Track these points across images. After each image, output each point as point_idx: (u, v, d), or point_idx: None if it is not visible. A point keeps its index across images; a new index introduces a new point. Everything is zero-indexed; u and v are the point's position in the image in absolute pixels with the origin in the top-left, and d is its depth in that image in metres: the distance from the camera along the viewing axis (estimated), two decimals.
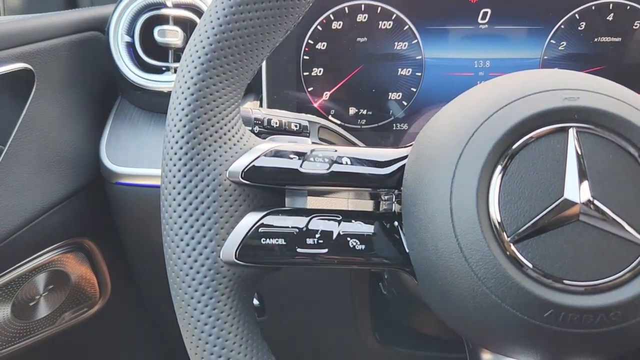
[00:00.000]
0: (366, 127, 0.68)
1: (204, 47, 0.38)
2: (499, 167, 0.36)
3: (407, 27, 0.66)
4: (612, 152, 0.35)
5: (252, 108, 0.54)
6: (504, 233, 0.35)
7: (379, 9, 0.65)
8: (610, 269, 0.34)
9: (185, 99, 0.38)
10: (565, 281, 0.34)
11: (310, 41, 0.66)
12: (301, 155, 0.40)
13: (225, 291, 0.38)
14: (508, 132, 0.36)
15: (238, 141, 0.40)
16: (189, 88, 0.38)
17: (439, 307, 0.39)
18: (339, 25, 0.66)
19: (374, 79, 0.67)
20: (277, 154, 0.40)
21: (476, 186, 0.35)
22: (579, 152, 0.35)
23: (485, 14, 0.65)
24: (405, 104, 0.68)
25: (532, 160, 0.35)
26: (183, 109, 0.38)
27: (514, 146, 0.36)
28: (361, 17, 0.66)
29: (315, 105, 0.68)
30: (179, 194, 0.38)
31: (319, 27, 0.66)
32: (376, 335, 0.81)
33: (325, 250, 0.39)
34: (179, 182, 0.38)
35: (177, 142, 0.38)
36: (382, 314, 0.81)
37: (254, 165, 0.39)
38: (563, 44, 0.65)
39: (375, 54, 0.67)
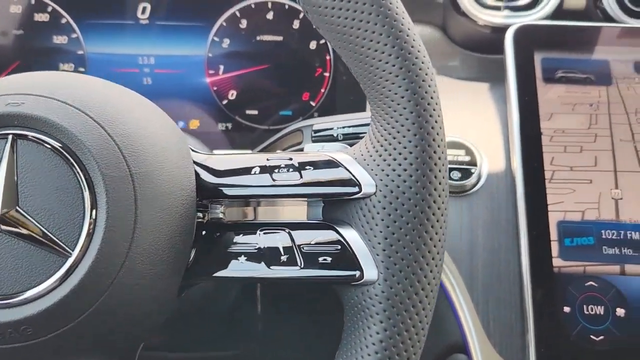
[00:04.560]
0: None
1: None
2: None
3: (65, 20, 0.63)
4: (47, 160, 0.34)
5: None
6: None
7: (34, 0, 0.63)
8: (29, 282, 0.33)
9: None
10: None
11: None
12: None
13: None
14: None
15: None
16: None
17: None
18: None
19: None
20: None
21: None
22: (13, 160, 0.34)
23: (144, 8, 0.64)
24: None
25: None
26: None
27: None
28: (15, 9, 0.63)
29: None
30: None
31: None
32: None
33: None
34: None
35: None
36: None
37: None
38: (226, 42, 0.65)
39: (33, 48, 0.64)
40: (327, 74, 0.65)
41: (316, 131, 0.54)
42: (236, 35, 0.64)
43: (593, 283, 0.54)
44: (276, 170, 0.39)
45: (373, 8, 0.37)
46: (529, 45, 0.63)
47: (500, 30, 0.68)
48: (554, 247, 0.55)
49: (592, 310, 0.53)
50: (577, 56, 0.63)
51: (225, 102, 0.65)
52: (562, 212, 0.56)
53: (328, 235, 0.38)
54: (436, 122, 0.37)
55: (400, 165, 0.36)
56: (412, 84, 0.36)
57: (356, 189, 0.37)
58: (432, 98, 0.37)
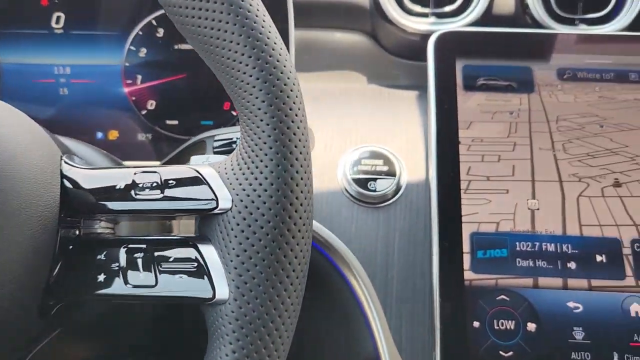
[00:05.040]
0: None
1: None
2: None
3: None
4: None
5: None
6: None
7: None
8: None
9: None
10: None
11: None
12: None
13: None
14: None
15: None
16: None
17: None
18: None
19: None
20: None
21: None
22: None
23: (58, 18, 0.62)
24: None
25: None
26: None
27: None
28: None
29: None
30: None
31: None
32: None
33: None
34: None
35: None
36: None
37: None
38: (143, 51, 0.63)
39: None
40: None
41: (217, 142, 0.52)
42: (153, 44, 0.63)
43: (505, 297, 0.52)
44: (140, 185, 0.38)
45: (230, 17, 0.35)
46: (451, 52, 0.61)
47: (429, 37, 0.67)
48: (466, 260, 0.53)
49: (502, 325, 0.51)
50: (499, 63, 0.61)
51: (144, 112, 0.64)
52: (476, 223, 0.55)
53: (187, 252, 0.36)
54: (294, 134, 0.35)
55: (256, 179, 0.35)
56: (268, 95, 0.35)
57: (214, 204, 0.36)
58: (291, 109, 0.35)
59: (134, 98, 0.64)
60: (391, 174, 0.60)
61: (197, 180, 0.37)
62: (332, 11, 0.70)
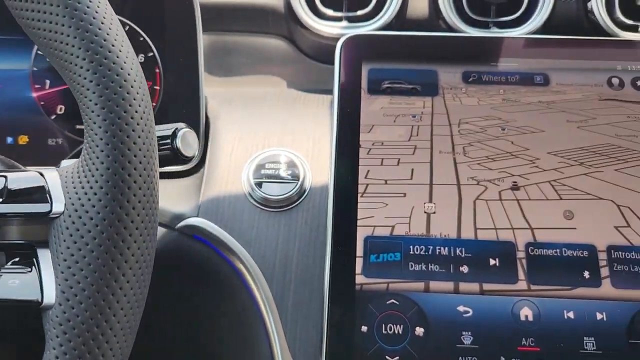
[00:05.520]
0: None
1: None
2: None
3: None
4: None
5: None
6: None
7: None
8: None
9: None
10: None
11: None
12: None
13: None
14: None
15: None
16: None
17: None
18: None
19: None
20: None
21: None
22: None
23: None
24: None
25: None
26: None
27: None
28: None
29: None
30: None
31: None
32: None
33: None
34: None
35: None
36: None
37: None
38: None
39: None
40: (157, 87, 0.64)
41: None
42: None
43: (395, 301, 0.52)
44: None
45: (65, 19, 0.35)
46: (357, 56, 0.61)
47: None
48: (359, 264, 0.53)
49: (390, 330, 0.51)
50: (405, 66, 0.61)
51: (54, 117, 0.64)
52: (371, 227, 0.54)
53: (27, 256, 0.36)
54: (128, 137, 0.35)
55: (88, 182, 0.35)
56: (101, 97, 0.35)
57: (48, 208, 0.35)
58: (125, 112, 0.35)
59: (42, 103, 0.64)
60: (295, 177, 0.60)
61: (39, 185, 0.37)
62: (248, 15, 0.70)
